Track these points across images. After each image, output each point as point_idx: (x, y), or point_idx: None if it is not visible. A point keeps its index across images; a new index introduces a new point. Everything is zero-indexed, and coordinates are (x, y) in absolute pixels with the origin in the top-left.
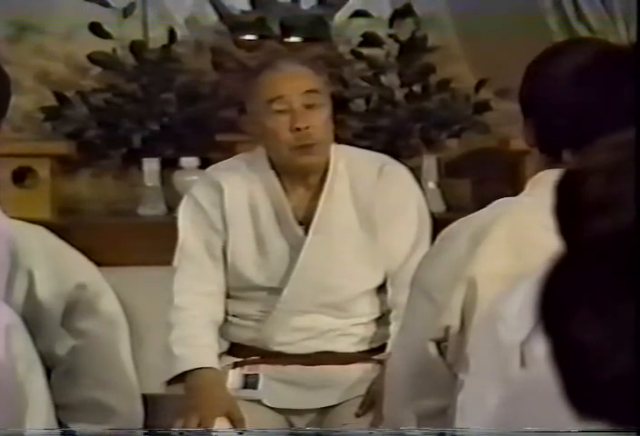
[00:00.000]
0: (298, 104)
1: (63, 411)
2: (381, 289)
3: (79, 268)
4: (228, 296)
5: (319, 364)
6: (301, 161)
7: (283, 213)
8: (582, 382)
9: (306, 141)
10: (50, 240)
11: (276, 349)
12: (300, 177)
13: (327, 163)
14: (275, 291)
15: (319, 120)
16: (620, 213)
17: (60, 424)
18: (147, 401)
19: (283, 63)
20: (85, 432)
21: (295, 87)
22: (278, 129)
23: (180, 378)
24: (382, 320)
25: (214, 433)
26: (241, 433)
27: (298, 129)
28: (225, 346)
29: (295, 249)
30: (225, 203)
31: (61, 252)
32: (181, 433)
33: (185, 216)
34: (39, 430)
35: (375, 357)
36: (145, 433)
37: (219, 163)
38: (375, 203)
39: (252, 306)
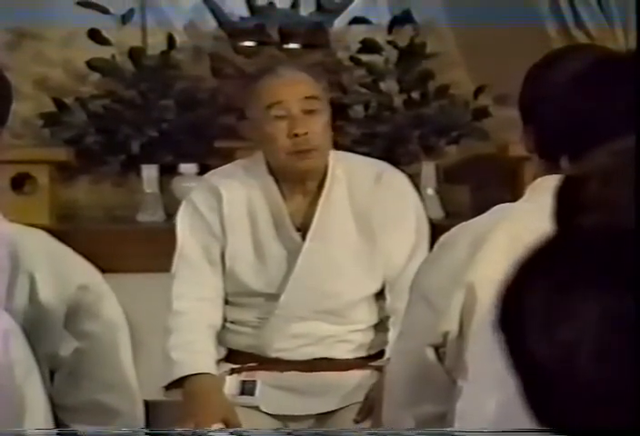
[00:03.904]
0: (297, 109)
1: (66, 412)
2: (379, 295)
3: (80, 270)
4: (226, 302)
5: (317, 371)
6: (299, 165)
7: (281, 219)
8: (541, 392)
9: (304, 146)
10: (50, 243)
11: (274, 355)
12: (298, 183)
13: (325, 169)
14: (273, 297)
15: (318, 126)
16: (618, 218)
17: (63, 426)
18: (147, 407)
19: (282, 69)
20: (85, 433)
21: (294, 93)
22: (276, 134)
23: (178, 383)
24: (380, 326)
25: (210, 434)
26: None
27: (296, 135)
28: (223, 353)
29: (292, 255)
30: (224, 209)
31: (62, 254)
32: (180, 434)
33: (183, 221)
34: (40, 430)
35: (373, 363)
36: (146, 433)
37: (218, 168)
38: (373, 210)
39: (250, 312)
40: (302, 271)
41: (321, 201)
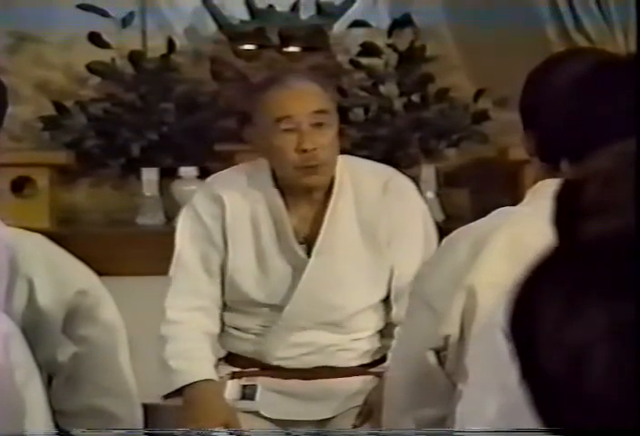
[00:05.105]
0: (306, 124)
1: (64, 417)
2: (383, 302)
3: (79, 275)
4: (227, 308)
5: (318, 378)
6: (305, 181)
7: (284, 232)
8: (550, 399)
9: (312, 162)
10: (49, 247)
11: (275, 363)
12: (303, 194)
13: (332, 178)
14: (276, 307)
15: (326, 140)
16: (618, 221)
17: (61, 431)
18: (145, 410)
19: (291, 79)
20: (85, 434)
21: (304, 107)
22: (284, 148)
23: (177, 391)
24: (382, 332)
25: (214, 434)
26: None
27: (305, 150)
28: (223, 353)
29: (295, 268)
30: (227, 218)
31: (60, 259)
32: (183, 434)
33: (183, 227)
34: (41, 430)
35: (374, 370)
36: (146, 433)
37: (221, 173)
38: (380, 220)
39: (251, 320)
40: (307, 285)
41: (327, 215)
